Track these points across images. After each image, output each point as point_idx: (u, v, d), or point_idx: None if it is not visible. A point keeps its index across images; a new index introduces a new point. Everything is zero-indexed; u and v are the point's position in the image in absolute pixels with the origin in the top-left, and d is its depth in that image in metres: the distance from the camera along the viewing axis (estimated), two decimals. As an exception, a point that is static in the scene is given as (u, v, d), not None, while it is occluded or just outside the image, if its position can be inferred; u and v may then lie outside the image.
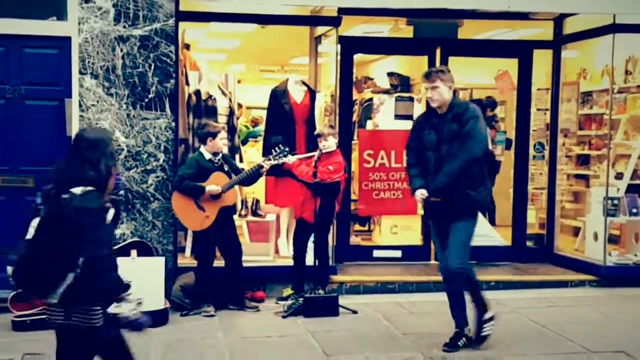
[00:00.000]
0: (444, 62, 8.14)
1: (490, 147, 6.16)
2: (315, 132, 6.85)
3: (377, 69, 10.96)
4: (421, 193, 5.44)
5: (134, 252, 6.45)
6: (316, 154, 6.60)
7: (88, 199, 3.33)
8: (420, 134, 5.51)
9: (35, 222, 3.42)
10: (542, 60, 8.47)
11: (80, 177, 3.38)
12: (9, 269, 3.41)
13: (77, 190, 3.34)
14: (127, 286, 3.55)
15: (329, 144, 6.62)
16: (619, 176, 8.07)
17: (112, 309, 3.51)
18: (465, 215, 5.41)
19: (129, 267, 6.27)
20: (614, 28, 7.60)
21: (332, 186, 6.60)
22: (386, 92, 9.41)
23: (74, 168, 3.42)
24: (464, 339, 5.57)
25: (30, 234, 3.42)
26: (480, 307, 5.63)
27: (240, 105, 8.99)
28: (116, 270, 3.50)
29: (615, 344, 5.75)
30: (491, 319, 5.64)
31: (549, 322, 6.38)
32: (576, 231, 8.75)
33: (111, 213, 3.50)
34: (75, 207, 3.30)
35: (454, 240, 5.43)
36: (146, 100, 6.65)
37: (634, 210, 7.90)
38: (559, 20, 8.31)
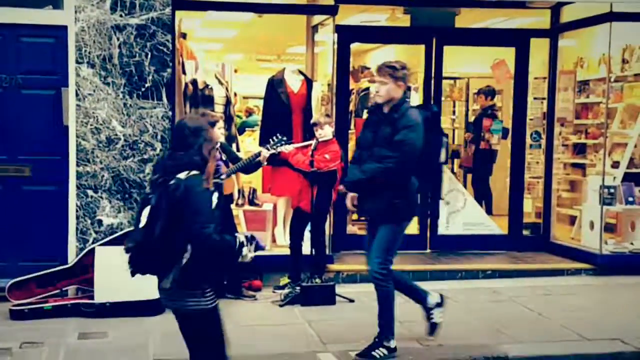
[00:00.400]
0: (440, 51, 8.14)
1: (454, 144, 6.11)
2: (312, 121, 6.85)
3: (374, 58, 10.94)
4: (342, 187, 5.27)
5: (131, 242, 6.45)
6: (313, 142, 6.60)
7: (193, 182, 3.48)
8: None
9: (146, 211, 3.54)
10: (539, 49, 8.47)
11: (185, 163, 3.53)
12: (124, 256, 3.58)
13: (182, 175, 3.49)
14: (240, 250, 3.61)
15: (325, 132, 6.63)
16: (616, 165, 8.09)
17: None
18: (387, 221, 5.15)
19: (126, 256, 6.32)
20: (611, 17, 7.60)
21: (328, 175, 6.60)
22: (383, 81, 9.39)
23: (178, 155, 3.57)
24: (382, 349, 5.19)
25: (143, 223, 3.53)
26: (419, 299, 5.50)
27: (234, 95, 8.96)
28: (229, 249, 3.58)
29: (610, 332, 5.78)
30: (438, 305, 5.47)
31: (545, 310, 6.42)
32: (573, 220, 8.79)
33: (215, 196, 3.59)
34: (183, 191, 3.44)
35: (375, 243, 5.25)
36: (143, 89, 6.64)
37: (630, 199, 7.93)
38: (556, 9, 8.30)
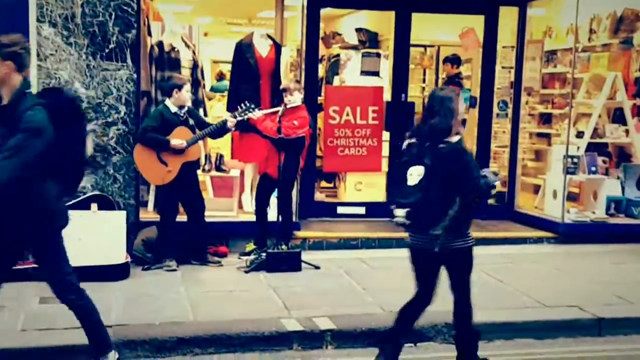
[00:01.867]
0: (408, 18, 8.10)
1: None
2: (281, 87, 6.79)
3: (345, 24, 10.84)
4: None
5: (94, 206, 6.39)
6: (281, 109, 6.55)
7: (461, 145, 4.19)
8: None
9: (414, 170, 4.13)
10: (508, 18, 8.46)
11: (443, 129, 4.15)
12: (400, 211, 4.12)
13: (453, 138, 4.15)
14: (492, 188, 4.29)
15: (294, 98, 6.58)
16: (580, 135, 8.17)
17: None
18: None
19: (89, 220, 6.26)
20: (580, -15, 7.61)
21: (296, 141, 6.57)
22: (354, 47, 9.34)
23: (435, 122, 4.18)
24: None
25: (412, 181, 4.13)
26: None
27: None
28: (491, 189, 4.26)
29: (569, 299, 5.88)
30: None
31: (506, 277, 6.51)
32: (537, 189, 8.88)
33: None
34: (455, 151, 4.13)
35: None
36: (107, 50, 6.51)
37: (593, 169, 8.03)
38: (526, -23, 8.29)
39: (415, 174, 4.15)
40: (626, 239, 7.72)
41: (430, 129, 4.19)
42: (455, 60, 9.23)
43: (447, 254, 4.26)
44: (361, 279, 6.41)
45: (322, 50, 9.17)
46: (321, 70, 8.91)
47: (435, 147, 4.12)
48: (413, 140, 4.26)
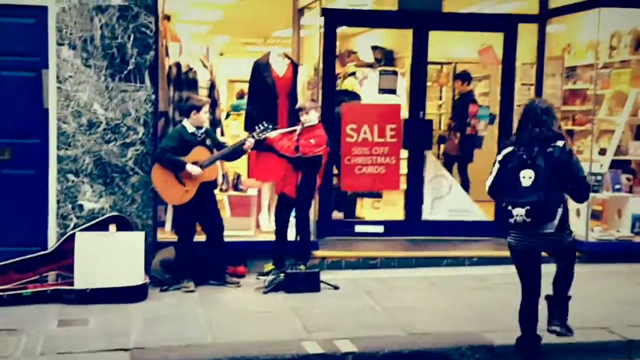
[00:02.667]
0: (425, 36, 8.07)
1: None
2: (297, 106, 6.76)
3: (360, 42, 10.84)
4: None
5: (112, 227, 6.36)
6: (298, 128, 6.52)
7: (568, 149, 4.72)
8: None
9: (524, 173, 4.64)
10: (527, 35, 8.39)
11: (550, 136, 4.69)
12: (520, 210, 4.61)
13: (559, 143, 4.68)
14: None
15: (311, 117, 6.54)
16: (602, 152, 8.04)
17: None
18: None
19: (108, 241, 6.24)
20: (600, 2, 7.53)
21: (313, 160, 6.52)
22: (369, 65, 9.32)
23: (539, 131, 4.70)
24: None
25: (526, 183, 4.62)
26: None
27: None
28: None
29: (597, 320, 5.76)
30: None
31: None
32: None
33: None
34: (565, 153, 4.68)
35: None
36: (125, 72, 6.51)
37: (617, 187, 7.89)
38: (544, -6, 8.23)
39: (527, 177, 4.65)
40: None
41: (539, 135, 4.70)
42: (465, 77, 9.16)
43: (559, 250, 4.92)
44: (381, 300, 6.32)
45: (338, 69, 9.15)
46: (338, 89, 8.88)
47: (545, 151, 4.66)
48: (513, 148, 4.78)
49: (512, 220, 4.73)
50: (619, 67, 8.66)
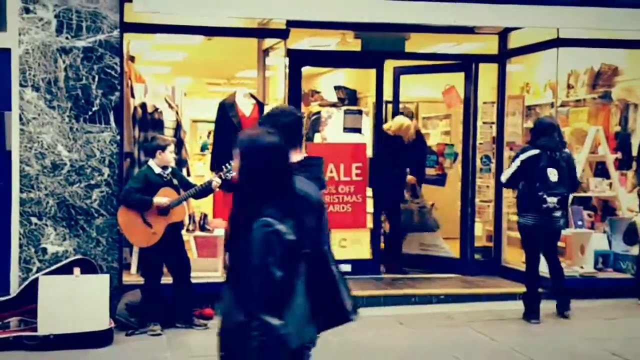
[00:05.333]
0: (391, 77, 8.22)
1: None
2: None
3: (324, 82, 10.96)
4: None
5: (77, 270, 6.24)
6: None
7: (570, 153, 6.64)
8: None
9: (550, 171, 6.43)
10: (488, 74, 8.57)
11: (564, 142, 6.68)
12: (553, 199, 6.43)
13: (567, 150, 6.65)
14: None
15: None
16: (564, 188, 8.18)
17: None
18: None
19: (72, 285, 6.12)
20: (558, 42, 7.74)
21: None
22: (333, 105, 9.42)
23: (560, 138, 6.72)
24: None
25: (554, 178, 6.43)
26: None
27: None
28: None
29: (564, 357, 5.82)
30: None
31: (498, 335, 6.42)
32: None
33: None
34: (571, 158, 6.60)
35: None
36: (90, 113, 6.47)
37: (580, 223, 8.01)
38: (503, 35, 8.42)
39: (553, 174, 6.43)
40: (616, 293, 7.66)
41: (558, 143, 6.54)
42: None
43: (558, 229, 6.75)
44: (350, 339, 6.27)
45: (302, 108, 9.22)
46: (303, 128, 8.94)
47: (561, 155, 6.51)
48: (537, 151, 6.49)
49: (545, 206, 6.40)
50: (577, 105, 8.88)
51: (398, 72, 8.38)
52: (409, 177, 8.59)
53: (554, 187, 6.42)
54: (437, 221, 8.88)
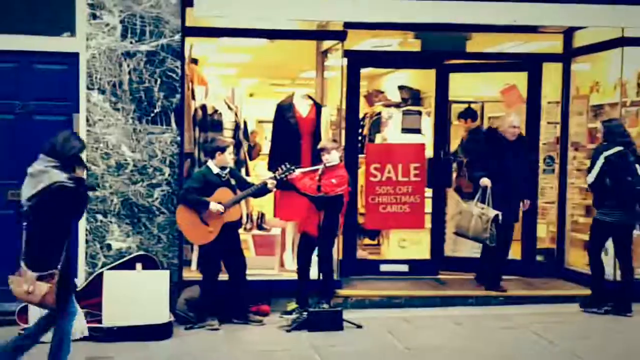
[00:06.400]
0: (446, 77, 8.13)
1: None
2: (318, 146, 6.86)
3: (388, 82, 10.95)
4: None
5: (139, 266, 6.50)
6: (320, 167, 6.62)
7: None
8: None
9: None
10: (552, 74, 8.42)
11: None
12: None
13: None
14: None
15: (332, 157, 6.64)
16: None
17: None
18: None
19: (134, 280, 6.37)
20: (622, 41, 7.55)
21: (335, 199, 6.60)
22: (397, 105, 9.40)
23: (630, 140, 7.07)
24: None
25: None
26: None
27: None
28: None
29: (621, 359, 5.68)
30: None
31: (557, 337, 6.32)
32: (587, 245, 8.63)
33: None
34: None
35: None
36: (152, 114, 6.71)
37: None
38: (568, 33, 8.27)
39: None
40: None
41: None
42: (470, 114, 9.16)
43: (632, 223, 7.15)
44: (404, 339, 6.31)
45: (366, 108, 9.28)
46: (364, 128, 9.00)
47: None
48: (622, 149, 6.88)
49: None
50: (647, 104, 8.60)
51: (448, 70, 8.27)
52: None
53: None
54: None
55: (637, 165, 6.95)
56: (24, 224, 4.67)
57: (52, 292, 4.59)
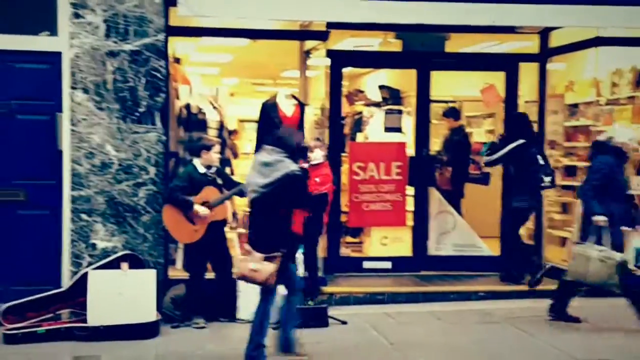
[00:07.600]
0: (427, 77, 8.25)
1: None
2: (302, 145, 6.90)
3: (369, 81, 11.06)
4: None
5: (124, 265, 6.50)
6: (304, 166, 6.66)
7: None
8: None
9: None
10: (529, 73, 8.57)
11: None
12: None
13: None
14: None
15: (316, 156, 6.71)
16: (606, 187, 8.12)
17: None
18: None
19: (120, 279, 6.38)
20: (598, 41, 7.71)
21: (319, 198, 6.64)
22: (377, 104, 9.51)
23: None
24: None
25: None
26: None
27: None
28: None
29: (601, 352, 5.85)
30: None
31: (537, 332, 6.45)
32: (564, 241, 8.82)
33: None
34: None
35: None
36: (137, 114, 6.72)
37: (621, 221, 7.94)
38: (544, 34, 8.41)
39: None
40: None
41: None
42: (453, 113, 9.32)
43: None
44: (389, 334, 6.40)
45: (346, 108, 9.35)
46: (345, 127, 9.07)
47: None
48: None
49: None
50: (622, 103, 8.79)
51: (429, 69, 8.40)
52: None
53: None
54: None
55: (538, 156, 7.62)
56: (249, 209, 5.11)
57: (275, 272, 4.93)
